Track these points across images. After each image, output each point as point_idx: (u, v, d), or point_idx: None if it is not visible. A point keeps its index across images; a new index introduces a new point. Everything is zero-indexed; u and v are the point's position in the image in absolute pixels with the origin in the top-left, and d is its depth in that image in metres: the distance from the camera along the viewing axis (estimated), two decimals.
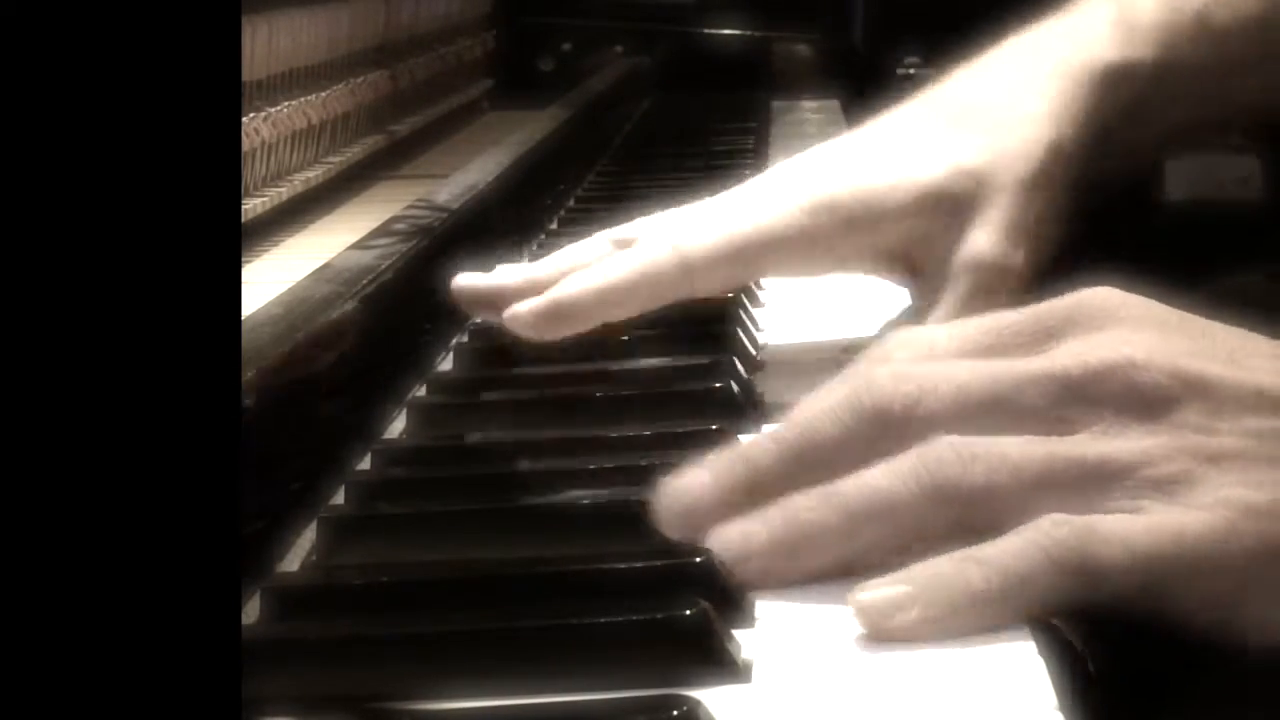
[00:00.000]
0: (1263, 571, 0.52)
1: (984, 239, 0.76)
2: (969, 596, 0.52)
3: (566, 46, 1.93)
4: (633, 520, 0.58)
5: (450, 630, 0.51)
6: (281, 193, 1.06)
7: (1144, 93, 0.82)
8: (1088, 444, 0.54)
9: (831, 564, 0.55)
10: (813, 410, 0.57)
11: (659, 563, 0.55)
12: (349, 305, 0.80)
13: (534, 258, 1.09)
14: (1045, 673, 0.49)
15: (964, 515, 0.54)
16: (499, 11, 1.78)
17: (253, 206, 1.01)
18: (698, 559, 0.54)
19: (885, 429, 0.56)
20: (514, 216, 1.16)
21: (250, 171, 1.02)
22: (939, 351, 0.59)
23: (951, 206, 0.77)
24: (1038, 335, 0.58)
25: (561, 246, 1.12)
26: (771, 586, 0.54)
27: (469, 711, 0.49)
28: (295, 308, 0.79)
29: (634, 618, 0.51)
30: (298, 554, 0.62)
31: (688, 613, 0.50)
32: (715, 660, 0.50)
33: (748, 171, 1.17)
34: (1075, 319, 0.57)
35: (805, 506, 0.55)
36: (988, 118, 0.79)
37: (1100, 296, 0.58)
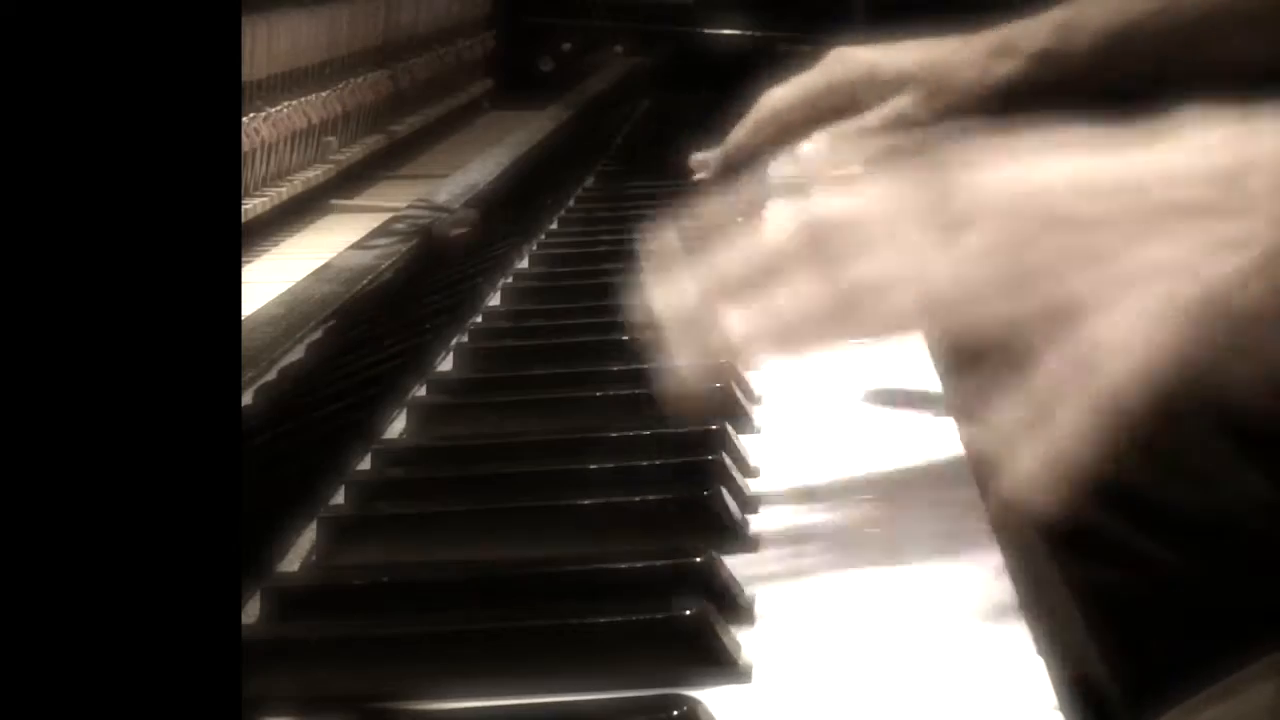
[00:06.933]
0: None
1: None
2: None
3: (566, 46, 1.93)
4: (633, 520, 0.58)
5: (450, 630, 0.51)
6: (281, 193, 1.06)
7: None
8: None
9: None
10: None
11: (659, 563, 0.55)
12: (349, 305, 0.81)
13: (534, 257, 1.09)
14: (1045, 672, 0.49)
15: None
16: (499, 11, 1.78)
17: (253, 206, 1.01)
18: (698, 559, 0.54)
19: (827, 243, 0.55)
20: (514, 216, 1.16)
21: (250, 171, 1.02)
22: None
23: (922, 79, 1.22)
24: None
25: (561, 246, 1.12)
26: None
27: (469, 711, 0.49)
28: (295, 308, 0.79)
29: (634, 618, 0.51)
30: (298, 554, 0.62)
31: (688, 613, 0.51)
32: (715, 660, 0.50)
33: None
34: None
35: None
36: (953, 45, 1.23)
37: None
